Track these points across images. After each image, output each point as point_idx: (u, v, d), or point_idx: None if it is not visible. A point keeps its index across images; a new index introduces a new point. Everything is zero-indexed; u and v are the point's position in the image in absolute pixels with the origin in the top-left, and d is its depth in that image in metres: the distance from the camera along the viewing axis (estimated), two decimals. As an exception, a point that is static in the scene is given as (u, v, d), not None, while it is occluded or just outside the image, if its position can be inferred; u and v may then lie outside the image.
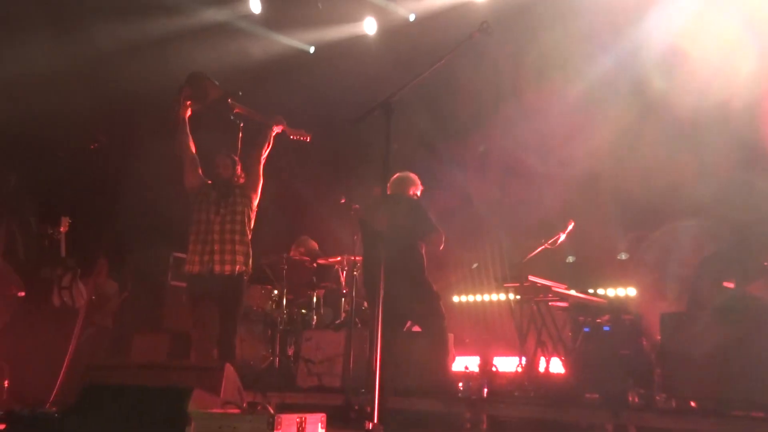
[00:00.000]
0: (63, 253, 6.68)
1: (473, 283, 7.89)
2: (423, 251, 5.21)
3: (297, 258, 6.98)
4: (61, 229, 6.59)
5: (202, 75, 5.19)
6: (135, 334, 7.07)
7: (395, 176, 5.36)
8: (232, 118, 5.17)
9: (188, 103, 5.08)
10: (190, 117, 5.17)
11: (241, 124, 5.24)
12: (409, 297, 4.94)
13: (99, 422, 3.06)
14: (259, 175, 5.23)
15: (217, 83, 5.19)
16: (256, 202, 5.23)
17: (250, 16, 8.47)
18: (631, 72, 6.71)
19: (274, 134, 5.29)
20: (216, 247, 4.97)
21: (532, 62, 7.66)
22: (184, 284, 7.70)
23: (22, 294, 5.77)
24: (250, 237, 5.14)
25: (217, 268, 4.95)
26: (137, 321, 7.44)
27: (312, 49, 9.37)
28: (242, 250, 5.04)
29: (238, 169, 5.18)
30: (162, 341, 6.82)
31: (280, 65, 8.87)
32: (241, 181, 5.21)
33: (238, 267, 4.99)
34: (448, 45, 3.76)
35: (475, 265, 7.84)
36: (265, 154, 5.25)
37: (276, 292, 6.71)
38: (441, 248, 5.23)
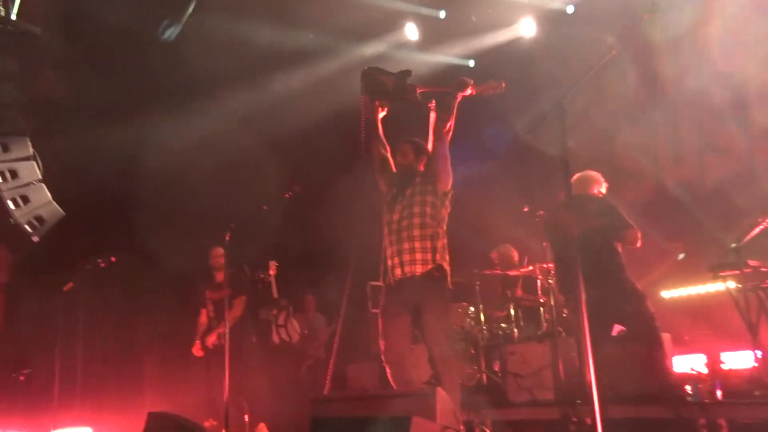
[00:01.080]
0: (275, 294, 7.27)
1: (683, 275, 7.27)
2: (620, 250, 5.00)
3: (488, 273, 6.93)
4: (271, 273, 7.18)
5: (370, 70, 4.56)
6: (347, 365, 7.44)
7: (576, 176, 5.21)
8: (419, 99, 4.49)
9: (376, 104, 4.52)
10: (384, 118, 4.64)
11: (431, 104, 4.55)
12: (613, 299, 4.72)
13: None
14: (445, 157, 4.38)
15: (386, 70, 4.55)
16: (445, 189, 4.39)
17: (407, 44, 8.70)
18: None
19: (458, 101, 4.44)
20: (395, 249, 4.28)
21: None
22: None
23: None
24: (442, 230, 4.33)
25: (398, 272, 4.26)
26: (347, 351, 7.84)
27: (472, 63, 9.37)
28: (428, 247, 4.21)
29: (416, 155, 4.49)
30: (371, 369, 7.11)
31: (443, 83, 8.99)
32: (421, 168, 4.49)
33: (424, 267, 4.19)
34: (614, 31, 3.56)
35: (681, 256, 7.22)
36: (449, 129, 4.44)
37: (472, 308, 6.71)
38: (638, 245, 5.01)
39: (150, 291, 8.06)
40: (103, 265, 6.16)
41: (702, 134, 7.48)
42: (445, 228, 4.34)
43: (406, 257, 4.25)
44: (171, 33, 7.39)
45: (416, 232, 4.25)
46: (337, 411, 3.71)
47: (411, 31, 8.60)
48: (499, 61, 9.09)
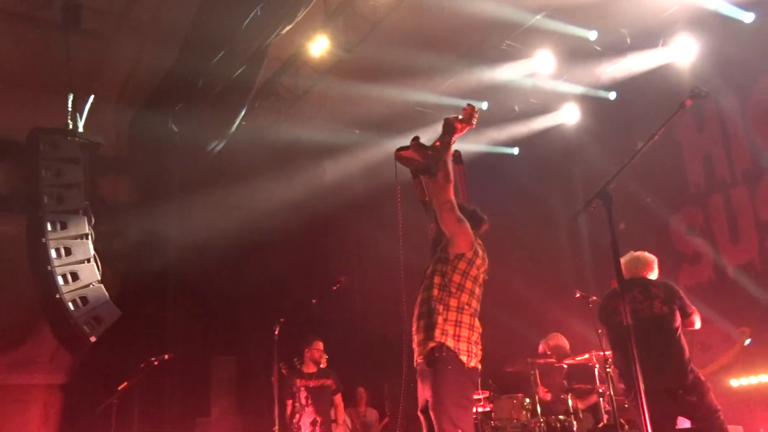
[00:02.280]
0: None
1: (751, 362, 6.89)
2: (683, 337, 4.79)
3: (542, 361, 6.72)
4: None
5: (399, 153, 3.88)
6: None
7: (628, 257, 5.06)
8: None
9: (415, 182, 3.94)
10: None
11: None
12: (676, 390, 4.49)
13: None
14: (451, 221, 3.64)
15: (405, 145, 3.88)
16: (458, 252, 3.66)
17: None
18: None
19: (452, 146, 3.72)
20: (413, 329, 3.71)
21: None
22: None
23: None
24: (453, 303, 3.60)
25: (415, 355, 3.68)
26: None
27: (516, 151, 9.50)
28: (433, 323, 3.55)
29: (436, 223, 3.79)
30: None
31: (487, 171, 9.11)
32: (432, 235, 3.89)
33: (428, 345, 3.53)
34: (656, 116, 3.58)
35: (748, 341, 6.88)
36: (446, 186, 3.61)
37: (528, 400, 6.47)
38: (699, 328, 4.85)
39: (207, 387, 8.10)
40: (156, 363, 6.22)
41: (758, 214, 7.30)
42: (461, 298, 3.61)
43: (415, 337, 3.68)
44: (216, 146, 7.83)
45: (416, 311, 3.69)
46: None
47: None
48: (542, 147, 9.21)
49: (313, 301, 5.76)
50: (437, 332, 3.50)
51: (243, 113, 7.71)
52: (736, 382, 6.94)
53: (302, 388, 6.85)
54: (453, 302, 3.58)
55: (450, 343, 3.49)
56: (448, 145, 3.62)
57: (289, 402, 6.84)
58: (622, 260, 4.91)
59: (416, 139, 3.80)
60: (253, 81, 7.42)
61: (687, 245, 7.79)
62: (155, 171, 8.07)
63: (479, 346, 3.64)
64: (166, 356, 6.34)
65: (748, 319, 6.99)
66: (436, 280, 3.63)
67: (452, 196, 3.60)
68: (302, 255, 8.83)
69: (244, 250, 8.35)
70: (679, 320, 4.77)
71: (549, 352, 6.82)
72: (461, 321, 3.56)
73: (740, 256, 7.40)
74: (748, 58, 7.26)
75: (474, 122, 3.70)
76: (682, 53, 7.39)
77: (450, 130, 3.66)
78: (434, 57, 7.83)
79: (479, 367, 3.62)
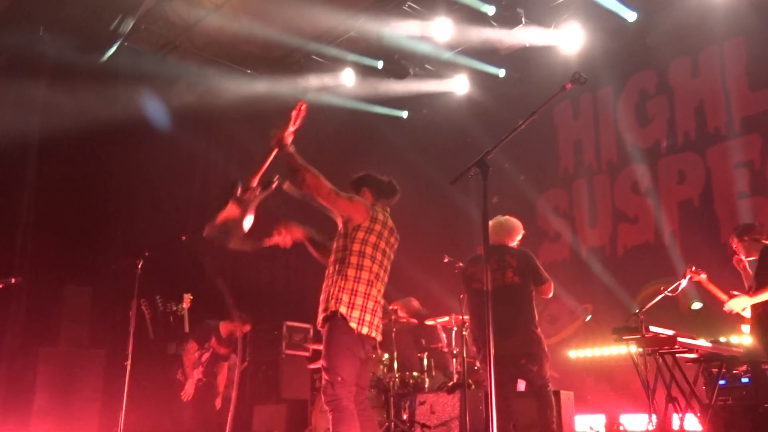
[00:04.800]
0: (187, 329, 7.01)
1: (589, 336, 7.54)
2: (534, 307, 5.00)
3: (404, 320, 6.95)
4: (185, 306, 6.94)
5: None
6: (255, 405, 7.22)
7: (494, 221, 5.08)
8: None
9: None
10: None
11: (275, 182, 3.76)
12: (523, 355, 4.77)
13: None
14: (342, 204, 3.79)
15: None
16: (355, 227, 3.82)
17: (342, 88, 8.85)
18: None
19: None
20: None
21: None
22: (298, 353, 7.96)
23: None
24: (351, 273, 3.74)
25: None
26: (257, 392, 7.63)
27: (405, 114, 9.60)
28: (330, 293, 3.74)
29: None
30: (280, 411, 6.93)
31: (374, 132, 9.17)
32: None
33: (324, 313, 3.74)
34: (539, 97, 3.73)
35: (588, 317, 7.50)
36: (317, 182, 3.67)
37: (387, 356, 6.70)
38: (550, 296, 5.05)
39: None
40: (1, 286, 5.76)
41: (615, 203, 7.89)
42: (361, 268, 3.72)
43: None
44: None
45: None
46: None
47: (348, 77, 8.76)
48: (430, 116, 9.39)
49: (183, 237, 5.51)
50: (332, 301, 3.65)
51: (126, 30, 7.16)
52: (573, 353, 7.58)
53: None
54: (351, 272, 3.70)
55: (343, 309, 3.62)
56: (290, 155, 3.62)
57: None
58: (490, 224, 5.07)
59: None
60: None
61: (550, 224, 8.30)
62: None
63: (376, 315, 3.74)
64: (13, 280, 5.90)
65: (592, 297, 7.62)
66: (338, 254, 3.76)
67: (328, 184, 3.67)
68: (180, 187, 8.45)
69: (112, 173, 7.92)
70: (531, 290, 4.88)
71: (405, 321, 7.01)
72: (356, 290, 3.67)
73: (594, 239, 8.00)
74: (626, 55, 7.76)
75: (298, 122, 3.66)
76: (569, 40, 7.74)
77: (279, 143, 3.62)
78: (335, 8, 7.70)
79: (374, 335, 3.73)
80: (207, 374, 6.65)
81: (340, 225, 3.86)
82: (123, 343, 5.21)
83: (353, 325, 3.62)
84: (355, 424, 3.57)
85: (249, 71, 8.82)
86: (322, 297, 3.75)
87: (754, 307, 5.17)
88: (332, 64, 8.72)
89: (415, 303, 7.18)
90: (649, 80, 7.79)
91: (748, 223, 5.66)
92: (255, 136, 8.44)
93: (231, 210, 3.65)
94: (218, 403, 6.69)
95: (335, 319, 3.64)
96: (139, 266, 5.33)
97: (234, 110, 8.45)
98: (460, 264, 5.91)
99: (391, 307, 6.89)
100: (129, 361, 5.07)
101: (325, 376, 3.63)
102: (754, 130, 6.82)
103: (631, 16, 7.37)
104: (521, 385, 5.05)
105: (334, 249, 3.83)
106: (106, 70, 7.63)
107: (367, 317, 3.68)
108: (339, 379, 3.55)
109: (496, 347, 4.49)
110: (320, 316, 3.72)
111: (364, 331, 3.65)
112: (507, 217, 5.17)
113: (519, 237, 5.17)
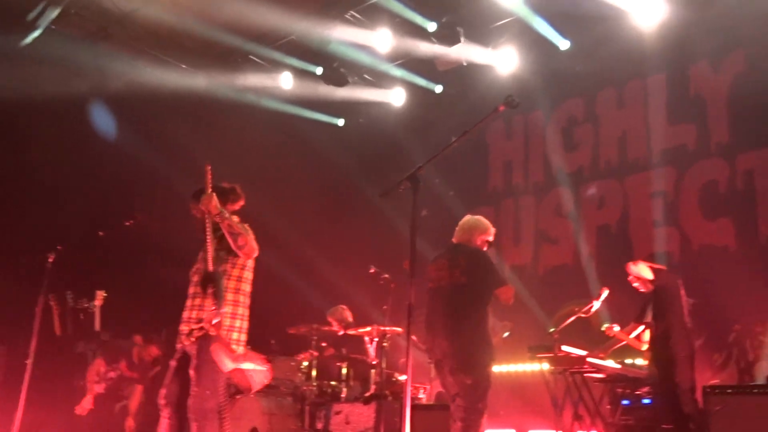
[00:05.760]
0: (97, 327, 6.74)
1: (507, 353, 7.70)
2: (485, 308, 4.51)
3: (326, 329, 6.92)
4: (96, 303, 6.67)
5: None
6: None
7: (464, 219, 4.79)
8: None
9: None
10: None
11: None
12: (456, 362, 4.39)
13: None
14: (253, 251, 4.06)
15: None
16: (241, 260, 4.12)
17: (279, 91, 8.77)
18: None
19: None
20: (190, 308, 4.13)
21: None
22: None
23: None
24: (230, 297, 4.04)
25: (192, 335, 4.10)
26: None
27: (341, 122, 9.60)
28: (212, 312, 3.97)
29: None
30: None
31: (309, 138, 9.10)
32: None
33: (198, 332, 3.95)
34: (474, 114, 3.81)
35: (506, 333, 7.67)
36: (246, 242, 3.99)
37: (305, 363, 6.64)
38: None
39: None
40: None
41: (539, 223, 8.13)
42: (238, 293, 4.04)
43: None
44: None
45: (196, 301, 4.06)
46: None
47: (286, 80, 8.69)
48: (366, 124, 9.42)
49: (100, 233, 5.33)
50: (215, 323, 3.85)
51: (52, 15, 6.87)
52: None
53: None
54: (229, 296, 3.94)
55: (223, 332, 3.86)
56: (227, 222, 3.89)
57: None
58: (461, 222, 4.89)
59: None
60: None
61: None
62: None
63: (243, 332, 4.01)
64: None
65: (511, 314, 7.79)
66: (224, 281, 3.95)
67: (252, 242, 3.94)
68: (100, 179, 8.11)
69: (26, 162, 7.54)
70: (481, 291, 4.46)
71: (326, 329, 6.97)
72: (236, 313, 3.95)
73: (517, 258, 8.21)
74: (557, 81, 8.03)
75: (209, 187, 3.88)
76: (505, 62, 7.94)
77: (215, 214, 3.87)
78: (277, 10, 7.63)
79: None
80: (110, 390, 6.44)
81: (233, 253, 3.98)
82: (26, 340, 4.97)
83: (234, 347, 3.88)
84: None
85: (184, 66, 8.62)
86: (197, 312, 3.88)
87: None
88: (271, 66, 8.63)
89: (348, 313, 7.15)
90: (578, 107, 8.09)
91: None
92: (185, 131, 8.31)
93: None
94: (130, 424, 6.46)
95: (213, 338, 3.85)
96: (50, 260, 5.12)
97: (164, 104, 8.23)
98: (386, 275, 5.93)
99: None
100: (30, 360, 4.84)
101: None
102: (670, 163, 7.18)
103: (564, 44, 7.63)
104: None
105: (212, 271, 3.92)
106: (27, 54, 7.28)
107: (242, 337, 3.97)
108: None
109: (437, 350, 4.48)
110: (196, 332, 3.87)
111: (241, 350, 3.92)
112: (478, 217, 4.88)
113: (486, 238, 4.82)
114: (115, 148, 8.23)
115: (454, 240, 4.77)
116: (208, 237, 3.83)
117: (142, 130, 8.50)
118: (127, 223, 5.57)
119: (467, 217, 4.86)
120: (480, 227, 4.77)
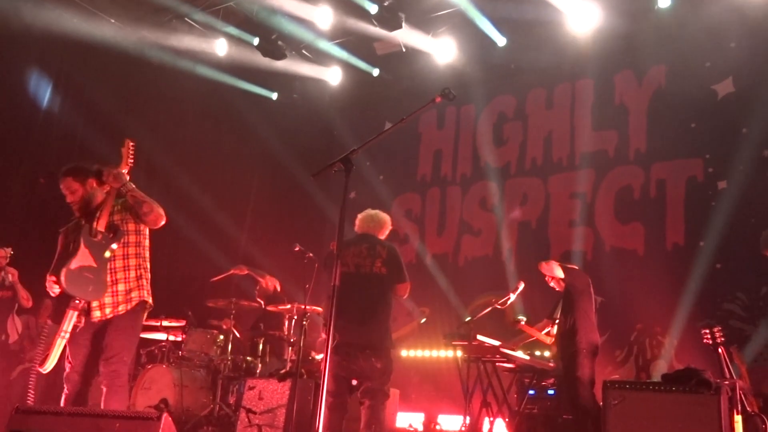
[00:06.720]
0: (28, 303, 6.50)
1: (422, 338, 7.88)
2: (393, 300, 4.79)
3: (246, 304, 6.85)
4: (12, 279, 6.33)
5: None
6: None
7: (364, 214, 4.96)
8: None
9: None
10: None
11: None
12: (371, 346, 4.55)
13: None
14: (161, 218, 4.26)
15: None
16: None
17: (213, 57, 8.51)
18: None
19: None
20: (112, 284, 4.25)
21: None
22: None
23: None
24: (144, 263, 4.29)
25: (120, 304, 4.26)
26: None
27: (275, 96, 9.43)
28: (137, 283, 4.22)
29: None
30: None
31: (240, 109, 8.89)
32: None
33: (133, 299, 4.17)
34: (408, 100, 3.84)
35: (423, 320, 7.83)
36: (151, 207, 4.14)
37: (222, 337, 6.56)
38: (405, 297, 4.97)
39: None
40: None
41: (463, 215, 8.30)
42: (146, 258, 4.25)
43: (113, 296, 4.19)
44: None
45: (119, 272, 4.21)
46: (40, 426, 3.34)
47: (221, 47, 8.45)
48: (300, 100, 9.31)
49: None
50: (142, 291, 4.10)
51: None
52: (405, 353, 7.89)
53: None
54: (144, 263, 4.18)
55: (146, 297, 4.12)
56: (132, 192, 4.05)
57: None
58: (360, 216, 5.03)
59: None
60: None
61: (401, 226, 8.56)
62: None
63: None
64: None
65: (430, 301, 7.97)
66: (131, 249, 4.12)
67: (158, 208, 4.08)
68: (10, 136, 7.64)
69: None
70: (394, 284, 4.74)
71: (246, 304, 6.88)
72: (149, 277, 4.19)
73: (439, 247, 8.37)
74: (492, 77, 8.19)
75: (129, 161, 4.06)
76: (443, 51, 8.02)
77: (117, 181, 4.03)
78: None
79: None
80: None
81: (132, 226, 4.13)
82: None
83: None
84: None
85: (113, 21, 8.22)
86: (124, 288, 4.04)
87: None
88: (206, 31, 8.36)
89: (277, 285, 7.09)
90: (509, 104, 8.29)
91: None
92: (104, 88, 7.91)
93: (83, 254, 3.86)
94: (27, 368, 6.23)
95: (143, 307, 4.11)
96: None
97: (88, 57, 7.82)
98: (310, 254, 5.89)
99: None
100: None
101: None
102: (591, 165, 7.49)
103: (501, 40, 7.78)
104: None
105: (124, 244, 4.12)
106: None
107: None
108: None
109: (352, 334, 4.52)
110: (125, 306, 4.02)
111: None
112: (377, 210, 5.06)
113: (387, 232, 5.08)
114: (31, 102, 7.78)
115: (360, 230, 4.88)
116: (106, 209, 3.93)
117: (61, 85, 8.07)
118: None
119: (374, 211, 5.05)
120: (388, 222, 5.03)
